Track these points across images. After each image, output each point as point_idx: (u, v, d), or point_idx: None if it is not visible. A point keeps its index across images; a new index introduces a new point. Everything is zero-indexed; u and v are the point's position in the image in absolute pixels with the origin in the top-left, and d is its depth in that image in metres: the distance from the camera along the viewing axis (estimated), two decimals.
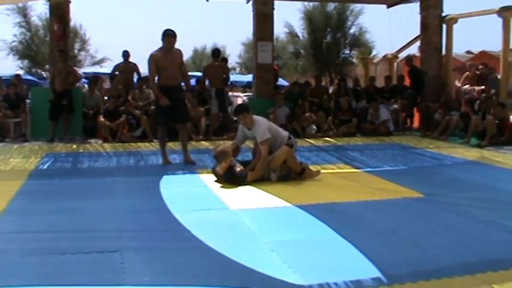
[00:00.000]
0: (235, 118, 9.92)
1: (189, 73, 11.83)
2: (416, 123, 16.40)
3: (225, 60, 17.15)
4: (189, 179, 8.41)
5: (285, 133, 8.63)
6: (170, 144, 11.32)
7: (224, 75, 14.38)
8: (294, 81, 19.69)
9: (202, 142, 12.93)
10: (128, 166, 9.68)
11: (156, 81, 9.40)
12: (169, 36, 9.25)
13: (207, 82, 14.72)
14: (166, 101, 9.25)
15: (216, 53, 15.03)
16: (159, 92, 9.35)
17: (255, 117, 8.39)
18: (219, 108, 14.12)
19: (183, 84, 9.79)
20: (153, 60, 9.24)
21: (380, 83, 18.77)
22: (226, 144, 8.86)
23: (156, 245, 4.98)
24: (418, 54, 17.92)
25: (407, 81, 16.72)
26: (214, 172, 8.14)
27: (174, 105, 9.35)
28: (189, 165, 9.43)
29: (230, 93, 18.17)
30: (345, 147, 12.19)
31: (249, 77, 19.83)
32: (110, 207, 6.45)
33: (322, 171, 8.66)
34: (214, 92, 14.12)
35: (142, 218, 5.96)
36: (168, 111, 9.37)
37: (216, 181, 7.97)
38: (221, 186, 7.65)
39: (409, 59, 16.86)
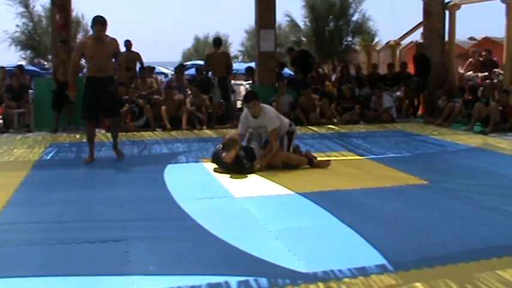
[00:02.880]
0: (240, 106, 9.90)
1: (191, 62, 11.78)
2: (420, 111, 16.37)
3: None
4: (193, 167, 8.43)
5: (286, 120, 8.64)
6: (173, 133, 11.32)
7: (227, 64, 14.36)
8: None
9: (206, 131, 12.95)
10: (131, 155, 9.67)
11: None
12: (97, 23, 8.49)
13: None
14: (74, 94, 8.86)
15: (218, 41, 15.02)
16: (72, 83, 8.88)
17: (262, 105, 8.42)
18: (222, 96, 14.12)
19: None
20: (79, 47, 8.84)
21: (383, 70, 18.73)
22: (233, 132, 8.84)
23: (161, 234, 4.99)
24: (420, 40, 17.88)
25: (410, 68, 16.67)
26: (216, 160, 8.14)
27: (100, 98, 8.63)
28: (192, 154, 9.42)
29: (233, 82, 18.13)
30: (349, 135, 12.17)
31: (250, 65, 19.77)
32: (114, 196, 6.47)
33: (326, 158, 8.65)
34: (217, 81, 14.12)
35: (146, 207, 5.97)
36: (93, 104, 8.66)
37: (215, 170, 8.01)
38: (225, 174, 7.66)
39: (419, 45, 16.75)
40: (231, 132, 8.64)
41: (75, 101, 9.72)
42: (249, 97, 8.51)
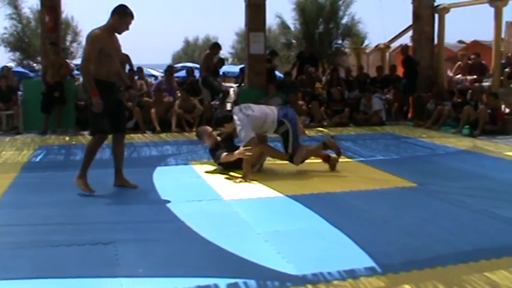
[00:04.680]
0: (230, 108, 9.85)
1: (181, 64, 11.78)
2: (410, 114, 16.40)
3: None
4: (182, 170, 8.42)
5: (272, 118, 7.98)
6: (163, 136, 11.30)
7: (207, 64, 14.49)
8: (285, 72, 19.69)
9: (194, 134, 12.92)
10: None
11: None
12: (130, 16, 6.80)
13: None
14: (101, 106, 6.56)
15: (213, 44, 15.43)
16: (94, 89, 6.54)
17: (234, 116, 7.84)
18: (211, 96, 14.28)
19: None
20: (97, 40, 6.59)
21: (372, 73, 18.78)
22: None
23: (150, 237, 4.98)
24: (410, 44, 17.94)
25: (399, 71, 16.72)
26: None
27: (117, 109, 6.92)
28: (182, 157, 9.41)
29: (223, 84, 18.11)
30: (338, 137, 12.15)
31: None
32: (103, 199, 6.47)
33: (314, 161, 8.61)
34: (201, 82, 14.30)
35: (135, 210, 5.97)
36: (112, 116, 6.84)
37: (206, 172, 8.03)
38: (214, 177, 7.67)
39: (405, 48, 16.82)
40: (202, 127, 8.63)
41: (84, 103, 8.97)
42: (216, 124, 8.18)
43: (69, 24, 34.20)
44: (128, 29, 6.83)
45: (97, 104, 6.51)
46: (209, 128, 8.39)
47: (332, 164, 8.29)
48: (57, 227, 5.29)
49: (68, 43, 33.37)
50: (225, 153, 7.84)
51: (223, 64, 18.28)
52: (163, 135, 12.62)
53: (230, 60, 50.98)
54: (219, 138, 8.27)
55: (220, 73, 17.90)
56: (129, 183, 7.07)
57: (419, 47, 16.32)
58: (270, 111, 8.06)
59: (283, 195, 6.57)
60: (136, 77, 15.01)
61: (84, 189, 6.70)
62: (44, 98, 13.39)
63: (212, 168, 8.30)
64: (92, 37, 6.58)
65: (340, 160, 8.41)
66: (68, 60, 17.29)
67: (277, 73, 20.43)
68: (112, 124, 6.86)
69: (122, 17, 6.74)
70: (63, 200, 6.35)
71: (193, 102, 13.93)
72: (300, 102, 14.79)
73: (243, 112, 7.77)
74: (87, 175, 6.80)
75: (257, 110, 7.95)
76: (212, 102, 14.42)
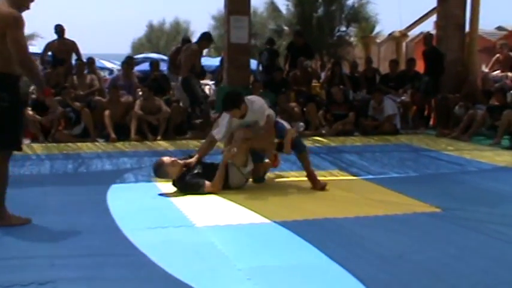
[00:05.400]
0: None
1: (143, 55, 11.72)
2: (432, 120, 16.41)
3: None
4: (144, 188, 8.40)
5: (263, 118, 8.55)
6: (119, 145, 11.24)
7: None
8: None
9: (161, 142, 12.99)
10: (64, 173, 9.64)
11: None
12: None
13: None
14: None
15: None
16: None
17: (247, 98, 8.49)
18: (190, 104, 14.11)
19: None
20: (23, 24, 6.25)
21: (384, 68, 18.84)
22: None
23: (101, 274, 4.93)
24: (434, 31, 17.96)
25: (419, 66, 16.72)
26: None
27: None
28: (143, 172, 9.39)
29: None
30: (340, 149, 12.22)
31: (218, 61, 19.86)
32: (41, 226, 6.38)
33: (320, 181, 8.62)
34: (180, 83, 14.16)
35: (82, 240, 5.91)
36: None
37: (174, 191, 8.05)
38: (184, 198, 7.64)
39: (427, 36, 16.81)
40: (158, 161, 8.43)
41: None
42: (227, 105, 8.43)
43: None
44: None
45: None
46: (167, 158, 8.34)
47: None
48: None
49: None
50: (201, 180, 8.00)
51: None
52: (119, 144, 12.60)
53: (205, 51, 51.10)
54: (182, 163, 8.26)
55: None
56: (14, 220, 6.44)
57: (446, 36, 16.35)
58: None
59: (270, 221, 6.54)
60: (85, 71, 14.96)
61: (17, 223, 6.40)
62: None
63: None
64: (20, 20, 6.35)
65: (342, 178, 8.40)
66: None
67: None
68: None
69: None
70: None
71: (158, 103, 13.91)
72: (292, 104, 14.80)
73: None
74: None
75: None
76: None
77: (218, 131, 8.50)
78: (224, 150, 8.40)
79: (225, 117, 8.47)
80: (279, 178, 9.08)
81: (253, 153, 8.39)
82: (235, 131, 8.34)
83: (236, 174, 8.24)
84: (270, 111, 8.49)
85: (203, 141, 9.08)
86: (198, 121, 14.06)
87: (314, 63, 24.98)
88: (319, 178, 8.63)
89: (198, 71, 14.43)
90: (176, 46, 18.44)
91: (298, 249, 5.64)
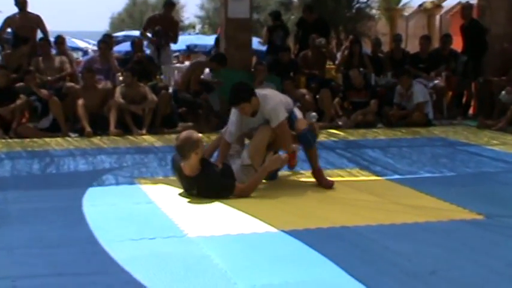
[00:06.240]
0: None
1: (124, 32, 11.74)
2: (472, 108, 16.38)
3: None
4: (126, 192, 8.42)
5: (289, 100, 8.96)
6: (96, 140, 11.28)
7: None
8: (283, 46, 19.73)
9: (146, 137, 12.99)
10: (29, 174, 9.63)
11: None
12: None
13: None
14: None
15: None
16: None
17: (260, 92, 8.53)
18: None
19: None
20: None
21: (413, 46, 18.82)
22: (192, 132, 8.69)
23: None
24: (474, 1, 17.88)
25: (456, 44, 16.68)
26: (178, 173, 8.15)
27: None
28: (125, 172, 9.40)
29: (188, 63, 18.05)
30: (360, 144, 12.24)
31: (213, 40, 19.88)
32: (1, 239, 6.37)
33: (327, 179, 8.65)
34: (172, 95, 14.25)
35: (52, 255, 5.89)
36: None
37: (162, 195, 7.98)
38: (174, 202, 7.63)
39: (466, 7, 16.74)
40: (186, 132, 8.40)
41: None
42: (235, 99, 8.45)
43: None
44: None
45: None
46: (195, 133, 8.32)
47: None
48: None
49: None
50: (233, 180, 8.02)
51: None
52: (96, 139, 12.61)
53: (198, 27, 51.11)
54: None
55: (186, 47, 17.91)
56: None
57: (490, 6, 16.28)
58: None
59: (277, 231, 6.54)
60: (53, 51, 14.92)
61: None
62: None
63: (171, 189, 8.29)
64: None
65: (364, 178, 8.40)
66: None
67: None
68: None
69: None
70: None
71: (142, 90, 13.89)
72: (302, 91, 14.77)
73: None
74: None
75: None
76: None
77: (228, 131, 8.54)
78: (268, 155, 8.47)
79: (234, 114, 8.51)
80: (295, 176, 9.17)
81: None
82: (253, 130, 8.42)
83: (248, 175, 8.26)
84: (285, 114, 8.40)
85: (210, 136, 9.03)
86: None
87: (329, 42, 25.02)
88: (335, 178, 8.67)
89: (193, 89, 14.34)
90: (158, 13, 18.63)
91: (310, 264, 5.63)
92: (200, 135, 8.10)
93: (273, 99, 8.42)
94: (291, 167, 9.13)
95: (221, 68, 14.49)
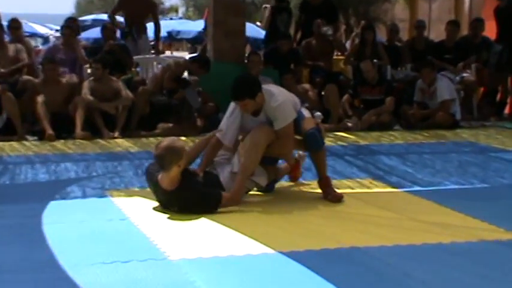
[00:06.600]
0: None
1: (92, 16, 11.79)
2: (508, 108, 16.40)
3: None
4: (95, 206, 8.42)
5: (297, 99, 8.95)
6: (59, 145, 11.30)
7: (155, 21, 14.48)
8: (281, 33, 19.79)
9: (119, 140, 13.07)
10: None
11: None
12: None
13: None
14: None
15: None
16: None
17: (266, 88, 8.57)
18: None
19: None
20: None
21: (437, 34, 18.86)
22: (175, 139, 8.74)
23: None
24: None
25: (489, 31, 16.72)
26: (154, 187, 8.16)
27: None
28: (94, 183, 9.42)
29: (169, 53, 18.07)
30: (374, 149, 12.28)
31: (199, 26, 19.95)
32: None
33: (335, 191, 8.68)
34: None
35: (6, 283, 5.90)
36: None
37: (137, 209, 8.03)
38: (152, 218, 7.66)
39: None
40: (168, 140, 8.44)
41: None
42: (239, 93, 8.47)
43: None
44: None
45: None
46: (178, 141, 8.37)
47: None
48: None
49: None
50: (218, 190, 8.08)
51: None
52: (59, 143, 12.63)
53: (182, 11, 51.17)
54: None
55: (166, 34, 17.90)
56: None
57: None
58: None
59: (274, 252, 6.56)
60: (6, 38, 14.92)
61: None
62: None
63: (149, 202, 8.31)
64: None
65: (378, 190, 8.43)
66: None
67: None
68: None
69: None
70: None
71: (115, 85, 13.93)
72: (305, 86, 14.80)
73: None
74: None
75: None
76: None
77: (223, 133, 8.53)
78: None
79: (233, 111, 8.55)
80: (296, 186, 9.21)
81: (264, 156, 8.44)
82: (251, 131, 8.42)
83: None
84: (294, 114, 8.46)
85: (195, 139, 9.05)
86: None
87: (337, 28, 25.11)
88: (343, 190, 8.70)
89: (167, 87, 14.25)
90: None
91: None
92: (183, 141, 8.11)
93: (280, 96, 8.46)
94: (294, 179, 9.17)
95: (202, 73, 14.40)
